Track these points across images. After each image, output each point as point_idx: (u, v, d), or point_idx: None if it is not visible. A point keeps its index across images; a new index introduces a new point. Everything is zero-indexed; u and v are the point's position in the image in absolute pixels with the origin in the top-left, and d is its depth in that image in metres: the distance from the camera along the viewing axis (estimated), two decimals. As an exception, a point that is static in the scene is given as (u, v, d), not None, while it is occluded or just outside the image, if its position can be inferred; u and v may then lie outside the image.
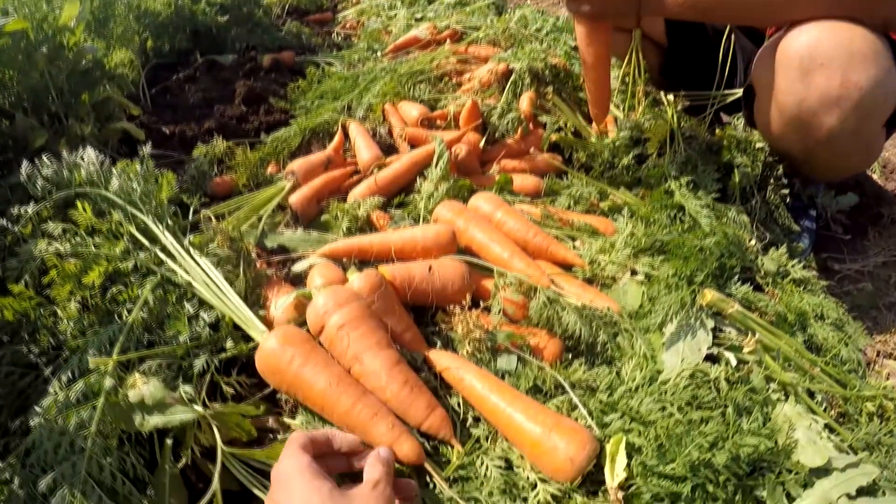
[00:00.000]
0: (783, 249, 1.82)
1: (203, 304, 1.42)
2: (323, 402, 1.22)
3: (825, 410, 1.42)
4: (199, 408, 1.21)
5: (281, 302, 1.41)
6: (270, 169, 2.22)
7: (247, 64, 3.18)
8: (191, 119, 2.66)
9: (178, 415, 1.19)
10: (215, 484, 1.14)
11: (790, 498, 1.24)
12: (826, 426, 1.38)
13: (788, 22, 1.82)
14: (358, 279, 1.37)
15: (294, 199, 1.89)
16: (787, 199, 2.07)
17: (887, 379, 1.75)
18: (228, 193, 2.08)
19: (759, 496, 1.23)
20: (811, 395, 1.44)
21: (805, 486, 1.26)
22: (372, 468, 1.04)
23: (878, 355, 1.82)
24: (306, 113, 2.54)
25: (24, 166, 1.60)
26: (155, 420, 1.18)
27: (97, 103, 2.28)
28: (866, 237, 2.24)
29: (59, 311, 1.37)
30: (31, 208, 1.56)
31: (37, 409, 1.16)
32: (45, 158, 1.62)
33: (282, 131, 2.39)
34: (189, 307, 1.41)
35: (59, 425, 1.12)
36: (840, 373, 1.54)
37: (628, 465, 1.16)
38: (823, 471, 1.27)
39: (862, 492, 1.26)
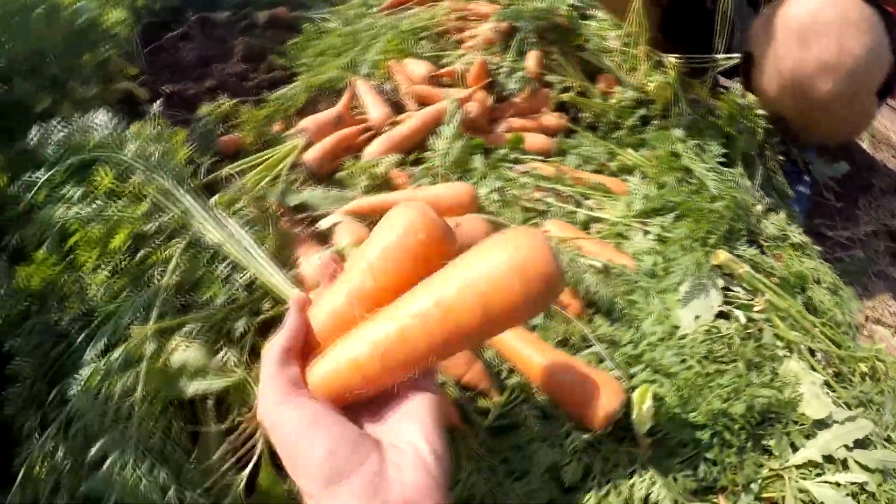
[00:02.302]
0: (783, 214, 1.90)
1: (235, 265, 1.39)
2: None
3: (823, 369, 1.51)
4: (240, 371, 1.22)
5: (314, 260, 1.44)
6: (277, 127, 2.22)
7: (242, 21, 3.14)
8: (188, 78, 2.64)
9: (220, 380, 1.20)
10: (260, 444, 1.16)
11: (794, 448, 1.33)
12: (825, 383, 1.47)
13: None
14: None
15: (309, 156, 1.90)
16: (784, 165, 2.15)
17: (877, 343, 1.85)
18: (236, 152, 2.09)
19: (765, 445, 1.32)
20: (812, 353, 1.52)
21: (808, 437, 1.35)
22: (421, 433, 0.78)
23: (867, 320, 1.92)
24: (308, 70, 2.54)
25: (34, 130, 1.56)
26: (196, 385, 1.19)
27: (98, 64, 2.25)
28: (856, 206, 2.33)
29: (85, 278, 1.32)
30: (42, 174, 1.48)
31: (76, 377, 1.15)
32: (55, 122, 1.57)
33: (286, 89, 2.39)
34: (222, 268, 1.39)
35: (103, 393, 1.12)
36: (836, 334, 1.62)
37: (654, 413, 1.24)
38: (825, 423, 1.36)
39: (858, 444, 1.35)
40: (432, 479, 0.73)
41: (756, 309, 1.50)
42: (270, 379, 0.81)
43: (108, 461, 1.05)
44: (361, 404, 0.83)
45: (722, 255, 1.53)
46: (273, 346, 0.84)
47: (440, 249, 0.84)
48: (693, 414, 1.23)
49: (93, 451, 1.06)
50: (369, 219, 1.61)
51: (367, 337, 0.81)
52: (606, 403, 1.20)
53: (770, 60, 1.95)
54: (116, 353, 1.16)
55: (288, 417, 0.76)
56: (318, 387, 0.82)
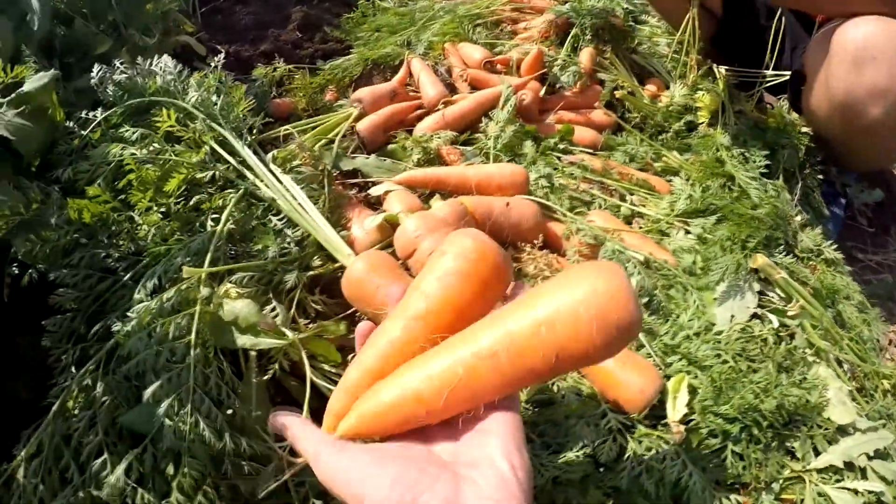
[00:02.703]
0: (818, 230, 1.93)
1: (288, 221, 1.43)
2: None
3: (848, 380, 1.55)
4: (289, 333, 1.22)
5: (368, 222, 1.47)
6: (329, 96, 2.28)
7: (300, -10, 3.19)
8: (244, 41, 2.71)
9: (269, 340, 1.20)
10: (306, 403, 1.16)
11: (816, 452, 1.37)
12: (849, 392, 1.50)
13: (849, 13, 1.92)
14: (443, 207, 1.45)
15: (362, 126, 1.95)
16: (822, 185, 2.18)
17: (899, 364, 1.88)
18: (287, 116, 2.15)
19: (789, 446, 1.36)
20: (839, 364, 1.56)
21: (830, 442, 1.38)
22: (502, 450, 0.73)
23: (889, 343, 1.95)
24: (364, 44, 2.59)
25: (95, 69, 1.58)
26: (245, 340, 1.20)
27: (158, 15, 2.27)
28: (888, 233, 2.36)
29: (136, 217, 1.34)
30: (100, 113, 1.52)
31: (128, 315, 1.15)
32: (117, 63, 1.60)
33: (342, 60, 2.45)
34: (276, 222, 1.42)
35: (157, 333, 1.12)
36: (861, 350, 1.66)
37: (688, 403, 1.28)
38: (848, 430, 1.39)
39: (878, 454, 1.38)
40: (514, 498, 0.68)
41: (789, 314, 1.54)
42: (315, 452, 0.79)
43: (164, 404, 1.06)
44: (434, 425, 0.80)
45: (760, 259, 1.57)
46: (294, 435, 0.83)
47: (497, 275, 0.84)
48: (725, 407, 1.27)
49: (148, 392, 1.06)
50: (420, 190, 1.66)
51: (433, 372, 0.78)
52: (644, 387, 1.24)
53: (822, 81, 1.99)
54: (170, 293, 1.18)
55: (345, 465, 0.75)
56: (381, 415, 0.79)
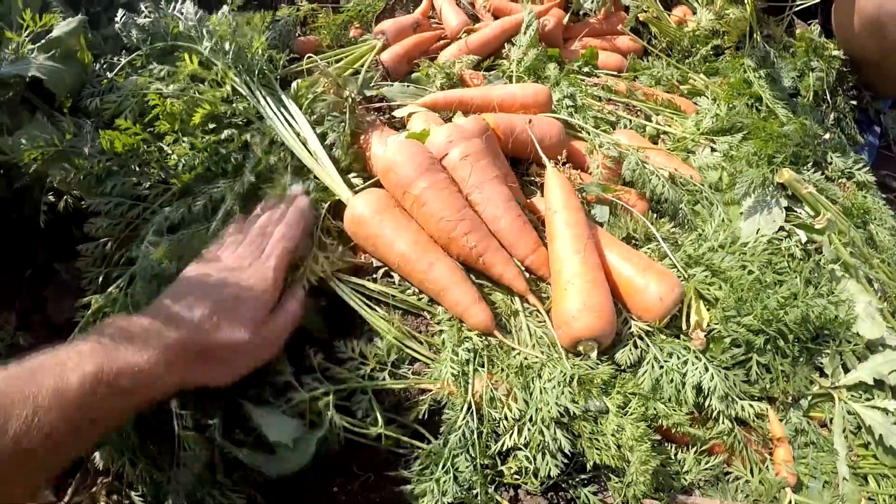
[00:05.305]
0: (850, 153, 1.90)
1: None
2: (402, 265, 1.28)
3: (879, 299, 1.52)
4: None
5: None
6: (353, 32, 2.27)
7: (318, -72, 3.16)
8: (266, -18, 2.69)
9: None
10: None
11: (846, 369, 1.36)
12: (879, 310, 1.48)
13: None
14: (467, 122, 1.45)
15: (386, 56, 1.94)
16: (855, 112, 2.14)
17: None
18: (312, 53, 2.14)
19: (818, 363, 1.35)
20: (869, 282, 1.54)
21: (860, 359, 1.37)
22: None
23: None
24: (388, -21, 2.57)
25: (119, 14, 1.60)
26: None
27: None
28: (923, 164, 2.31)
29: (166, 148, 1.40)
30: (124, 57, 1.56)
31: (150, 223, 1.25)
32: (142, 6, 1.63)
33: (366, -4, 2.43)
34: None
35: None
36: (893, 273, 1.63)
37: (710, 312, 1.28)
38: (877, 347, 1.38)
39: None
40: None
41: (817, 227, 1.52)
42: None
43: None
44: None
45: (787, 174, 1.55)
46: None
47: None
48: (749, 318, 1.26)
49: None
50: (444, 113, 1.65)
51: None
52: (664, 295, 1.24)
53: None
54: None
55: None
56: None
